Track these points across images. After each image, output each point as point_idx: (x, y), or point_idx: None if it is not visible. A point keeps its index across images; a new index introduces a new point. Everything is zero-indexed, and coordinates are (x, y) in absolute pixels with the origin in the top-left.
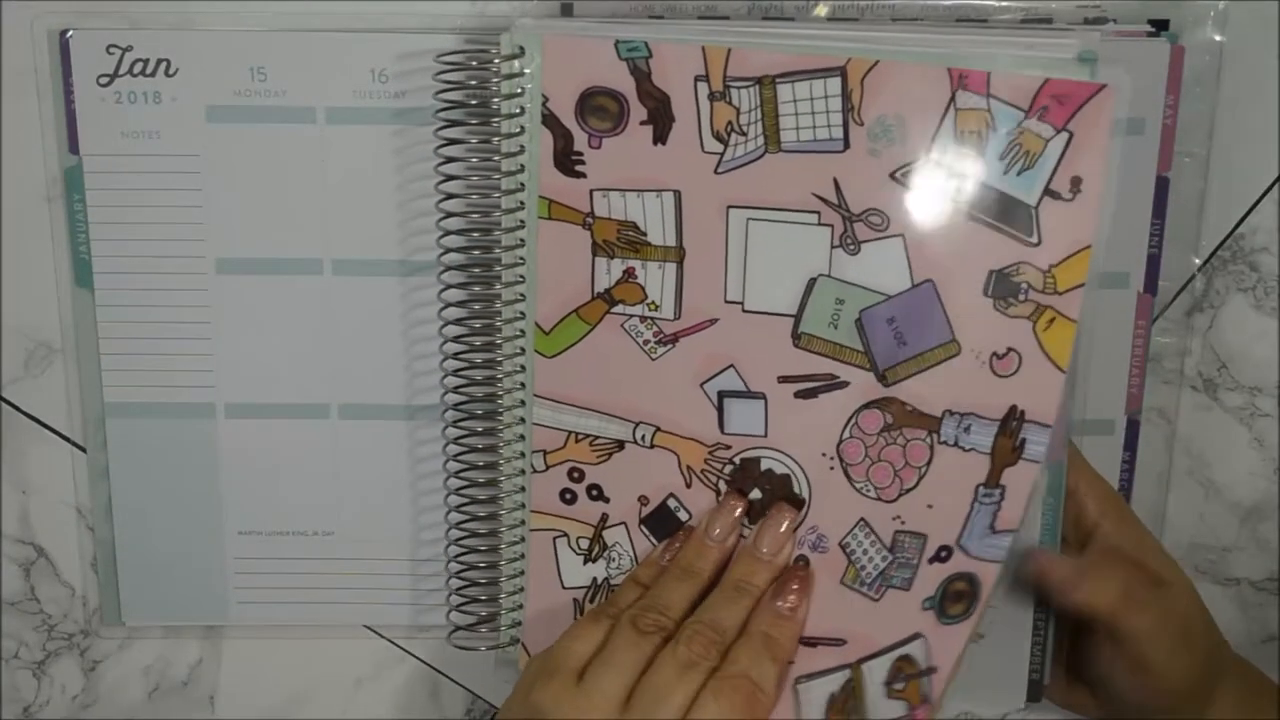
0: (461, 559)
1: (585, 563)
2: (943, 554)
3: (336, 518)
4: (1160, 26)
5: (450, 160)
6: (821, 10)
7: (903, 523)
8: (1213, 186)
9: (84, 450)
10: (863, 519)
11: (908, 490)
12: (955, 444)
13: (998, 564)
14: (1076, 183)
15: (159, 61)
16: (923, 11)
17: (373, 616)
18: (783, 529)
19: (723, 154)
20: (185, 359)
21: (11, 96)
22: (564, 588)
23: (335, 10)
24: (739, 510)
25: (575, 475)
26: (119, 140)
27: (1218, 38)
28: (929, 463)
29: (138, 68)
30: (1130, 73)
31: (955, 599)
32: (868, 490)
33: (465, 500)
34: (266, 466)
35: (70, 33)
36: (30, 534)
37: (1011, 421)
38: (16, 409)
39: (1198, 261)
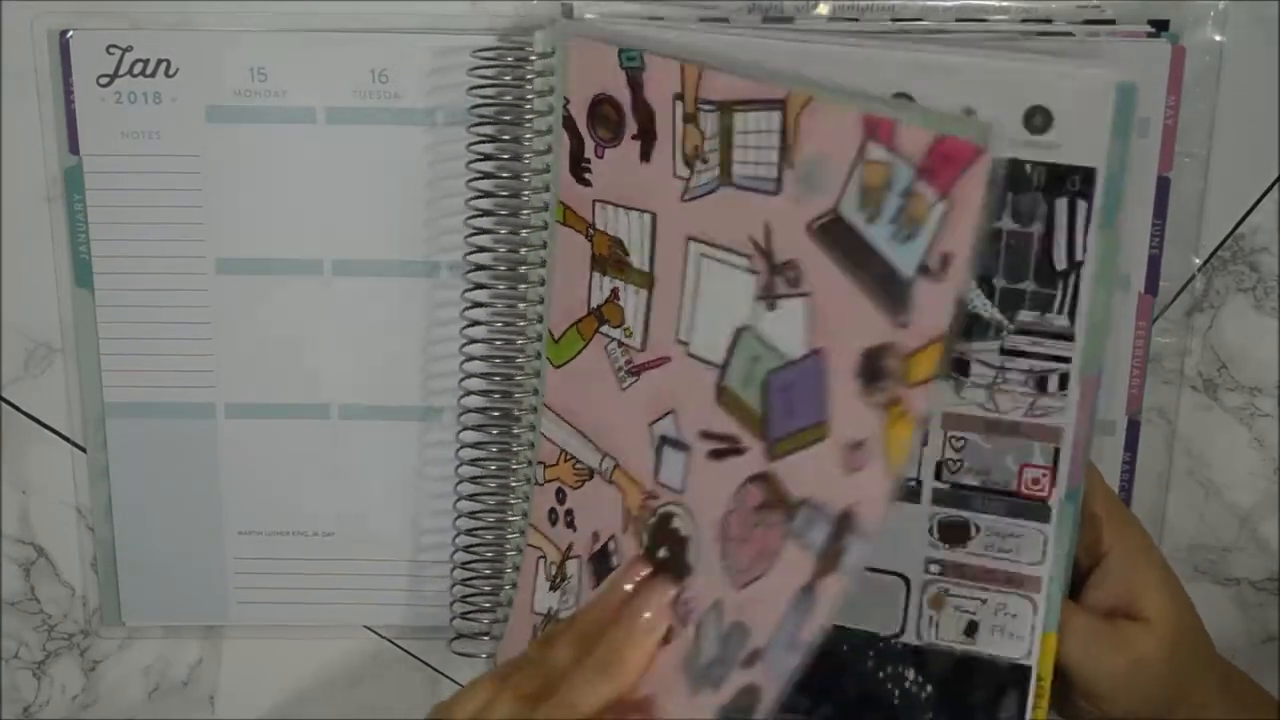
0: (468, 566)
1: (550, 589)
2: (752, 658)
3: (336, 518)
4: (1160, 26)
5: (485, 159)
6: (823, 10)
7: (740, 613)
8: (1213, 186)
9: (84, 450)
10: (718, 601)
11: (754, 579)
12: (800, 537)
13: (782, 680)
14: (946, 260)
15: (159, 61)
16: (923, 12)
17: (373, 616)
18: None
19: (689, 180)
20: (185, 359)
21: (11, 96)
22: (533, 610)
23: (335, 10)
24: (640, 576)
25: (560, 496)
26: (119, 140)
27: (1218, 38)
28: (778, 554)
29: (138, 68)
30: (1131, 73)
31: (740, 713)
32: (730, 571)
33: (477, 507)
34: (266, 466)
35: (70, 33)
36: (30, 534)
37: (843, 526)
38: (16, 409)
39: (1198, 261)
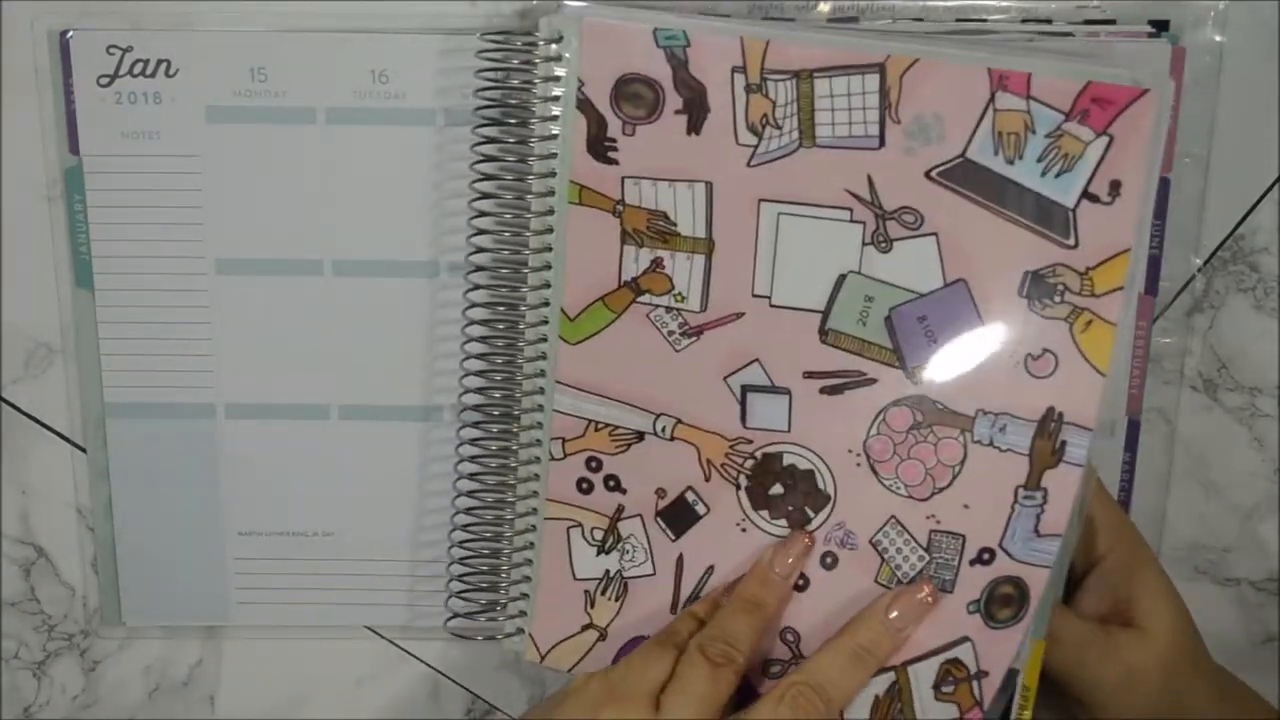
0: (466, 545)
1: (599, 554)
2: (985, 556)
3: (336, 518)
4: (1160, 27)
5: (490, 141)
6: (823, 9)
7: (938, 522)
8: (1213, 186)
9: (84, 450)
10: (894, 517)
11: (941, 489)
12: (990, 444)
13: (1046, 569)
14: (1115, 186)
15: (159, 62)
16: (923, 12)
17: (373, 616)
18: (918, 604)
19: (756, 147)
20: (185, 359)
21: (11, 96)
22: (575, 579)
23: (335, 10)
24: (805, 547)
25: (593, 465)
26: (119, 140)
27: (1218, 38)
28: (963, 462)
29: (138, 68)
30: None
31: (1003, 603)
32: (897, 488)
33: (475, 486)
34: (266, 466)
35: (70, 33)
36: (30, 534)
37: (1050, 423)
38: (16, 409)
39: (1198, 262)
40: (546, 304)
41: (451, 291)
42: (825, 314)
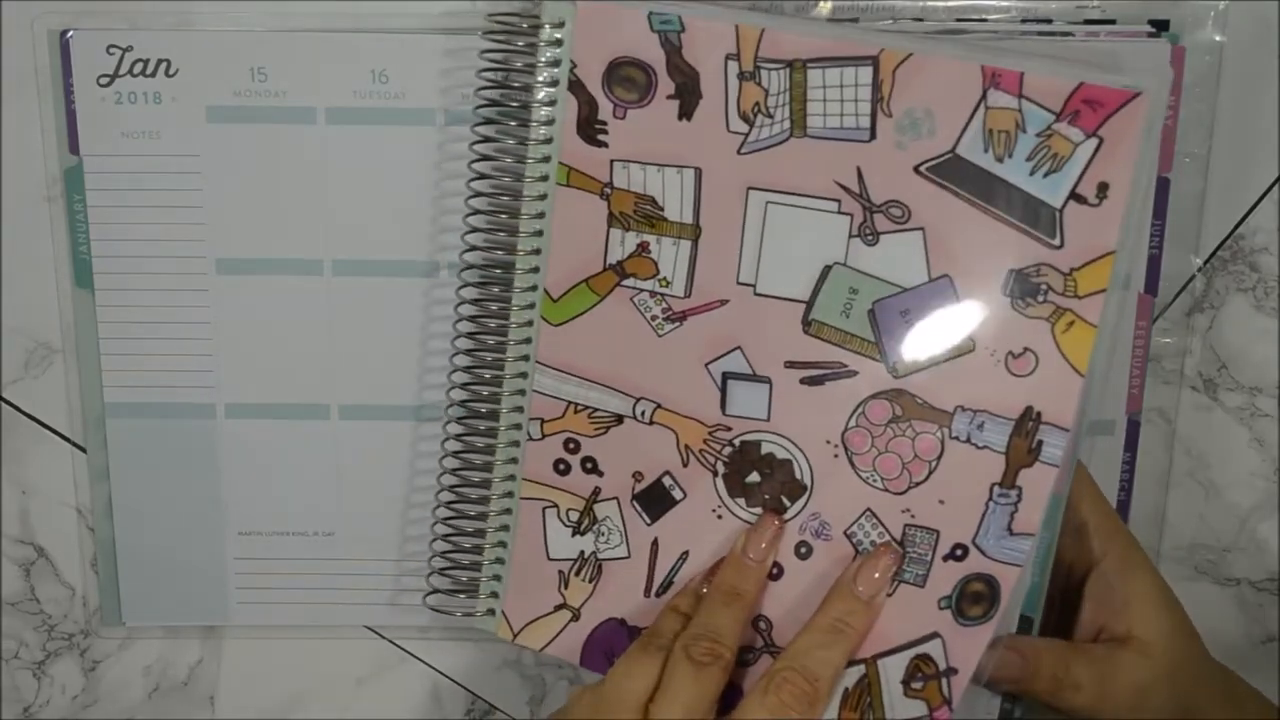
0: (449, 522)
1: (574, 535)
2: (958, 552)
3: (336, 518)
4: (1160, 26)
5: (489, 122)
6: (824, 9)
7: (913, 516)
8: (1213, 186)
9: (84, 450)
10: (869, 509)
11: (917, 484)
12: (968, 440)
13: (1018, 567)
14: (1103, 188)
15: (159, 62)
16: (923, 12)
17: (373, 616)
18: (880, 572)
19: (747, 135)
20: (185, 359)
21: (11, 96)
22: (549, 559)
23: (335, 10)
24: (776, 529)
25: (571, 446)
26: (119, 140)
27: (1218, 38)
28: (939, 457)
29: (138, 68)
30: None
31: (973, 600)
32: (874, 480)
33: (458, 465)
34: (266, 466)
35: (70, 33)
36: (30, 534)
37: (1027, 422)
38: (16, 409)
39: (1198, 261)
40: (534, 288)
41: (451, 291)
42: (809, 304)
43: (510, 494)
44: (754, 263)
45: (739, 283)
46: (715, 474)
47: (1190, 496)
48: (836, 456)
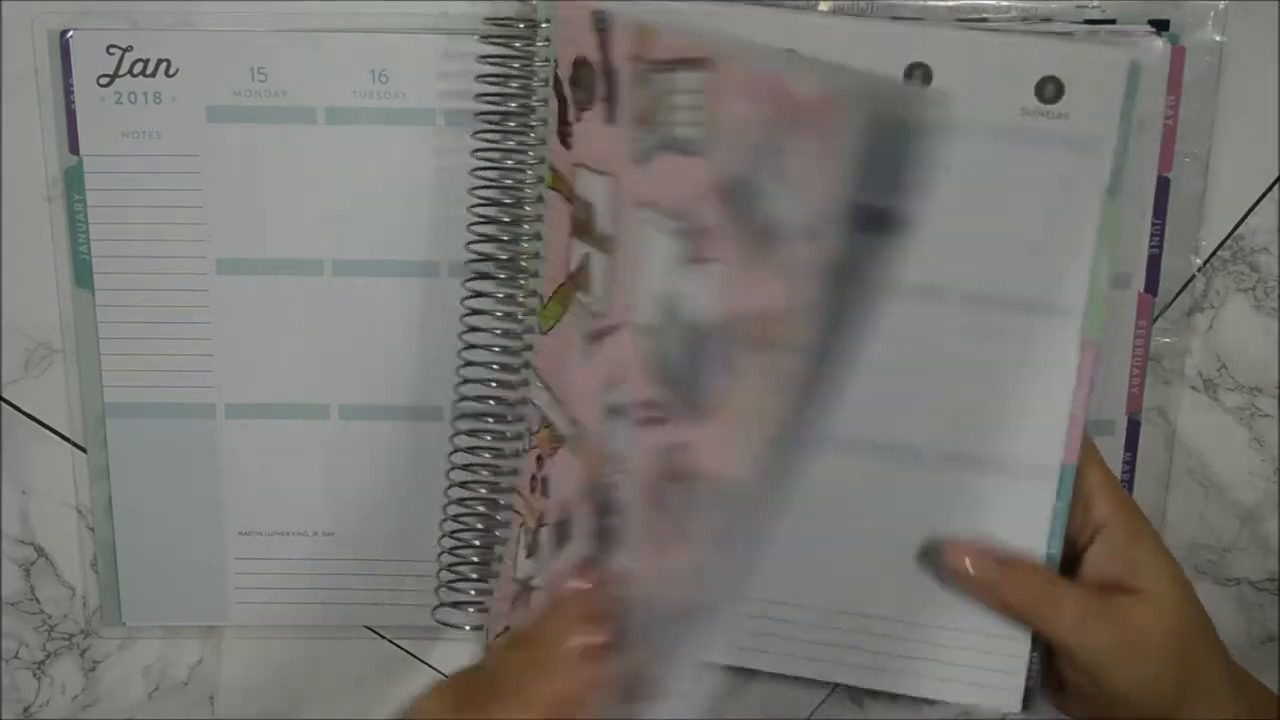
0: (457, 535)
1: (527, 557)
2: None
3: (336, 518)
4: (1160, 26)
5: (488, 130)
6: (824, 9)
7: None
8: (1213, 186)
9: (84, 450)
10: (637, 571)
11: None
12: (703, 512)
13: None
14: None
15: (159, 61)
16: (923, 11)
17: (373, 616)
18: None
19: (640, 142)
20: (185, 359)
21: (11, 96)
22: (516, 578)
23: (335, 10)
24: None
25: (539, 463)
26: (119, 140)
27: (1218, 38)
28: (685, 528)
29: (138, 68)
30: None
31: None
32: (654, 541)
33: (467, 478)
34: (266, 466)
35: (70, 33)
36: (30, 534)
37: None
38: (16, 409)
39: (1198, 261)
40: (535, 293)
41: (451, 291)
42: (655, 336)
43: (510, 505)
44: (633, 285)
45: (628, 305)
46: (595, 519)
47: (1190, 496)
48: (644, 509)
